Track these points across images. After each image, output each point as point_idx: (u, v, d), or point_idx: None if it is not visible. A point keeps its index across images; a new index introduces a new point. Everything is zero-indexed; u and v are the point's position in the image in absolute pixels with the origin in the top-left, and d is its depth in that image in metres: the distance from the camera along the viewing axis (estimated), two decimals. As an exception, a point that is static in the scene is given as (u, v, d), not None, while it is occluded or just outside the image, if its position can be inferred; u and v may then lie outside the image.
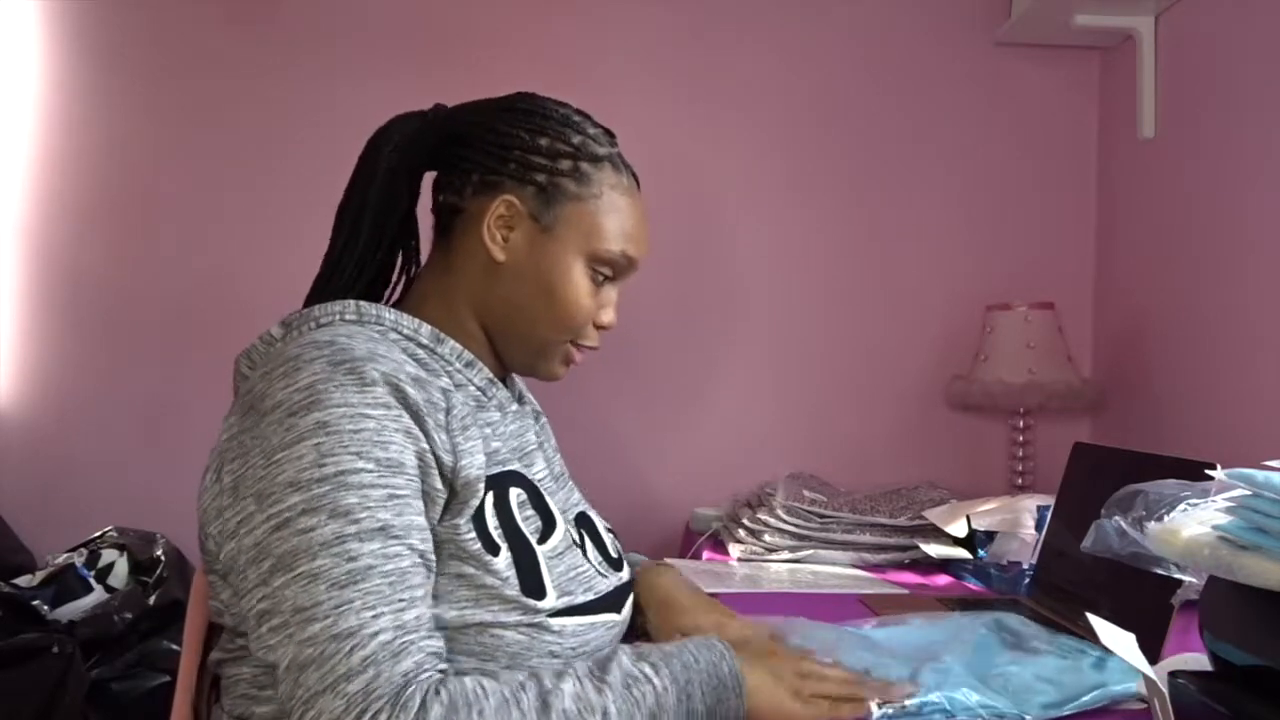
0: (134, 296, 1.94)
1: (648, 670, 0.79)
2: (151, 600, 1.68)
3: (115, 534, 1.79)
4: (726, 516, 1.75)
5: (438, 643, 0.76)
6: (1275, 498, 0.68)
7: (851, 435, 2.03)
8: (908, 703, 0.85)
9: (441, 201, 0.98)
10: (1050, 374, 1.82)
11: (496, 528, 0.85)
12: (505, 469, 0.90)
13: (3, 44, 1.94)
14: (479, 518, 0.83)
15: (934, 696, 0.86)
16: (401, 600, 0.73)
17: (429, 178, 1.01)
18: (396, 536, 0.75)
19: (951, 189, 2.04)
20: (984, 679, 0.94)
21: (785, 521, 1.59)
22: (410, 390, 0.81)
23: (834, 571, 1.54)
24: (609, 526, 1.05)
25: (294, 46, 1.97)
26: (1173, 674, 0.76)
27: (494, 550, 0.83)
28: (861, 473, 1.94)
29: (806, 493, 1.69)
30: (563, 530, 0.91)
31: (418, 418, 0.80)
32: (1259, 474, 0.70)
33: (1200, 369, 1.66)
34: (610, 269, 0.97)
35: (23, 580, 1.68)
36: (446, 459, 0.82)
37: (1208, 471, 0.75)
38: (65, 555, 1.74)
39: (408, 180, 0.98)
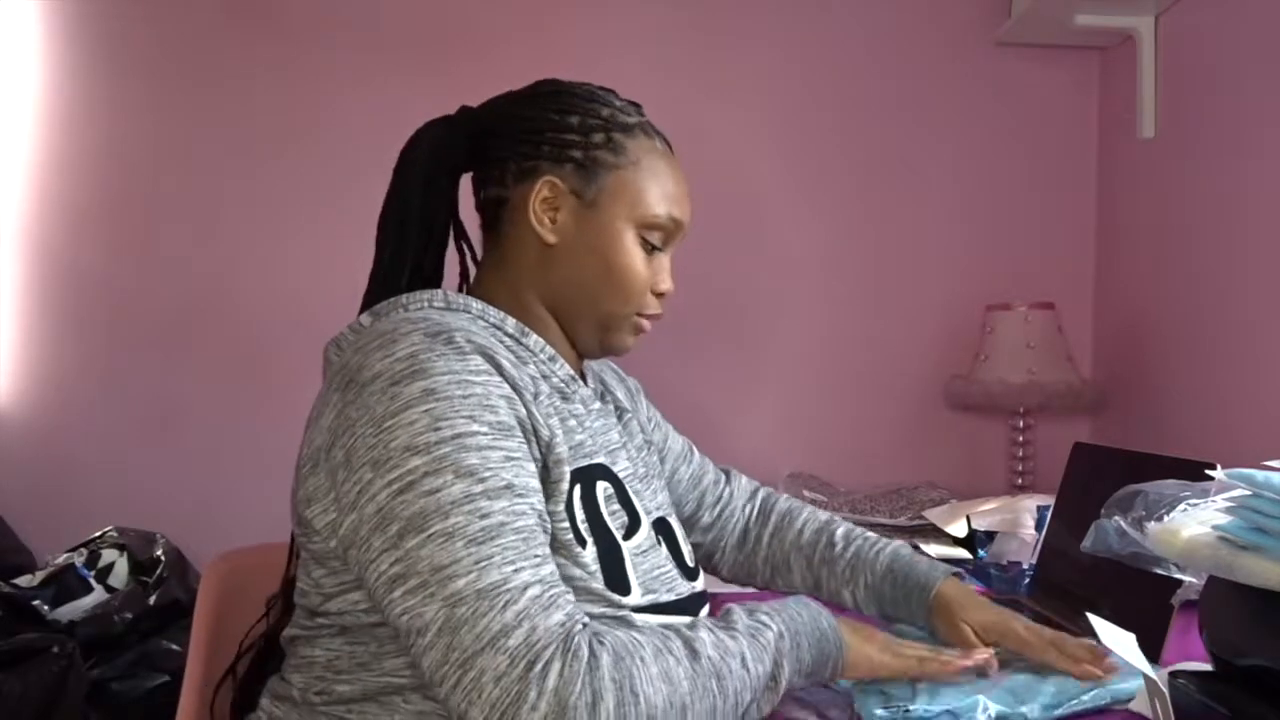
0: (134, 296, 1.94)
1: (764, 619, 0.83)
2: (151, 600, 1.68)
3: (115, 534, 1.79)
4: (726, 516, 1.75)
5: (572, 596, 0.75)
6: (1275, 498, 0.68)
7: (851, 435, 2.03)
8: (910, 708, 0.85)
9: (484, 197, 0.98)
10: (1050, 374, 1.82)
11: (583, 521, 0.84)
12: (593, 461, 0.90)
13: (3, 44, 1.94)
14: (569, 508, 0.83)
15: (943, 706, 0.86)
16: (537, 556, 0.74)
17: (466, 181, 1.00)
18: (521, 495, 0.76)
19: (951, 188, 2.05)
20: (981, 682, 0.94)
21: (785, 521, 1.58)
22: (505, 363, 0.81)
23: (834, 571, 1.53)
24: (687, 536, 1.04)
25: (294, 46, 1.97)
26: (1173, 674, 0.76)
27: (581, 543, 0.82)
28: (861, 473, 1.94)
29: (806, 493, 1.69)
30: (647, 528, 0.91)
31: (515, 388, 0.81)
32: (1259, 474, 0.70)
33: (1200, 369, 1.66)
34: (660, 233, 0.96)
35: (23, 580, 1.68)
36: (543, 431, 0.82)
37: (1208, 471, 0.75)
38: (65, 555, 1.74)
39: (446, 184, 0.97)
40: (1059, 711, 0.87)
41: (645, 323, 0.98)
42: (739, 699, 0.77)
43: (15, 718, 1.47)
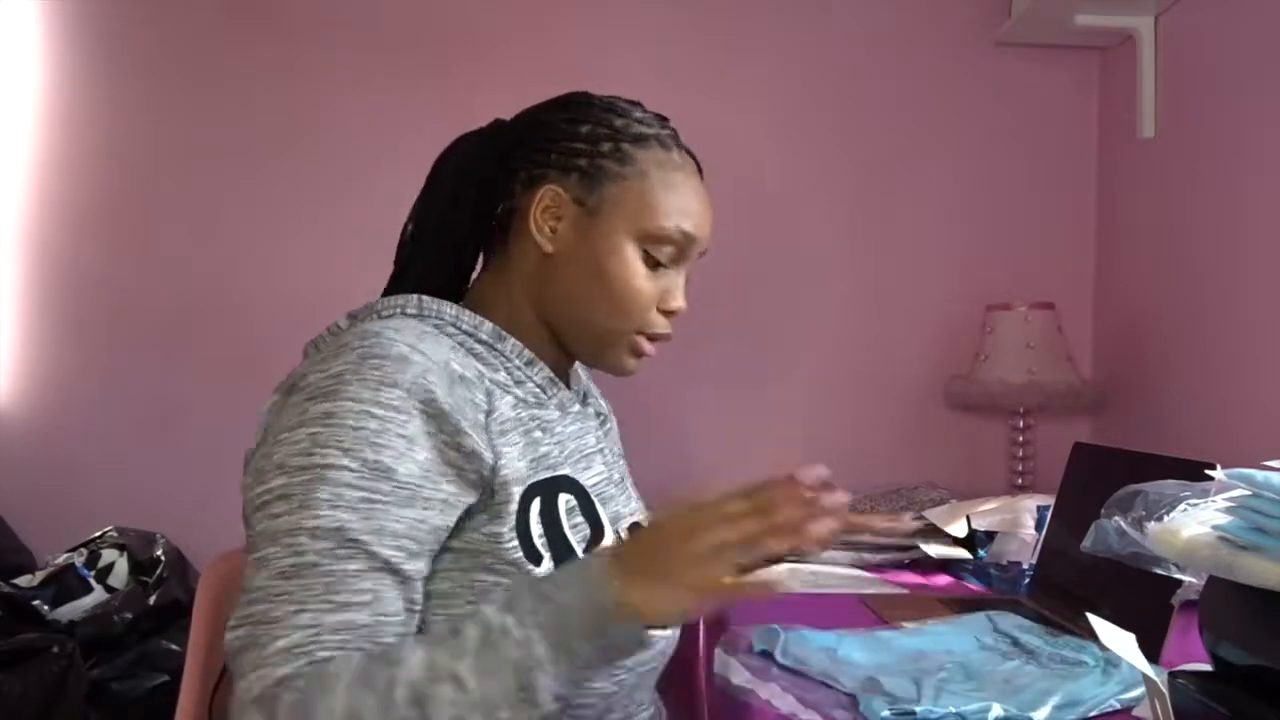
0: (134, 297, 1.94)
1: (510, 622, 0.71)
2: (151, 600, 1.68)
3: (115, 534, 1.79)
4: (726, 516, 1.74)
5: (350, 649, 0.73)
6: (1275, 498, 0.68)
7: (851, 435, 2.02)
8: (916, 709, 0.85)
9: (499, 205, 0.97)
10: (1050, 374, 1.82)
11: (540, 535, 0.84)
12: (556, 474, 0.88)
13: (3, 44, 1.94)
14: (523, 525, 0.83)
15: (952, 708, 0.85)
16: (330, 602, 0.73)
17: None
18: (353, 541, 0.74)
19: (951, 188, 2.04)
20: (987, 684, 0.94)
21: (785, 521, 1.59)
22: (440, 392, 0.79)
23: (834, 571, 1.54)
24: None
25: (295, 46, 1.97)
26: (1173, 674, 0.76)
27: (536, 560, 0.82)
28: (861, 473, 1.94)
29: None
30: (612, 540, 0.90)
31: (440, 419, 0.79)
32: (1259, 474, 0.70)
33: (1200, 369, 1.66)
34: (669, 248, 0.93)
35: (23, 580, 1.68)
36: (485, 456, 0.81)
37: (1208, 471, 0.75)
38: (65, 555, 1.74)
39: (473, 196, 0.96)
40: (1070, 716, 0.87)
41: (646, 345, 0.95)
42: None
43: (15, 718, 1.47)
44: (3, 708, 1.47)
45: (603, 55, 1.99)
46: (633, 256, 0.92)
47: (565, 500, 0.88)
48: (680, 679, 1.50)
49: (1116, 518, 0.77)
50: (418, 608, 0.79)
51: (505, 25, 1.98)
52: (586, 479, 0.93)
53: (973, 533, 1.52)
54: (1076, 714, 0.87)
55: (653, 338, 0.95)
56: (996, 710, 0.85)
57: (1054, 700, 0.88)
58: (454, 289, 0.98)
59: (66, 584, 1.67)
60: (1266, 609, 0.69)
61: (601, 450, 0.99)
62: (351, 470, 0.76)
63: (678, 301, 0.95)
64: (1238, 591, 0.70)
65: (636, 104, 0.98)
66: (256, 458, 0.81)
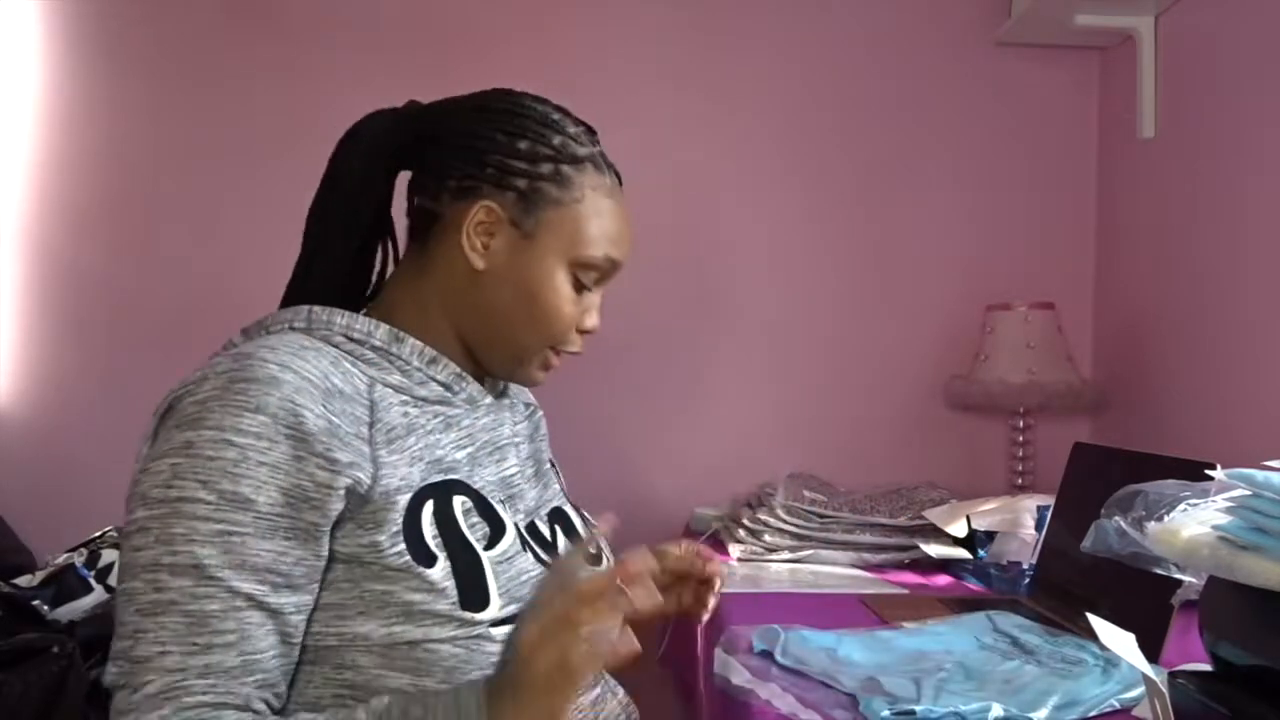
0: (134, 297, 1.94)
1: None
2: (151, 600, 1.68)
3: (115, 534, 1.79)
4: (726, 516, 1.75)
5: (217, 689, 0.73)
6: (1275, 498, 0.68)
7: (851, 435, 2.02)
8: (916, 708, 0.85)
9: (417, 205, 0.96)
10: (1050, 374, 1.82)
11: (435, 536, 0.82)
12: (450, 477, 0.87)
13: (3, 44, 1.94)
14: (411, 528, 0.80)
15: (952, 708, 0.85)
16: (194, 644, 0.72)
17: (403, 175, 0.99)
18: (211, 578, 0.73)
19: (951, 189, 2.04)
20: (987, 684, 0.94)
21: (785, 521, 1.59)
22: (310, 415, 0.77)
23: (834, 571, 1.54)
24: (591, 520, 1.03)
25: (295, 46, 1.97)
26: (1173, 674, 0.76)
27: (429, 561, 0.80)
28: (861, 473, 1.94)
29: (806, 493, 1.69)
30: (512, 536, 0.88)
31: (310, 442, 0.77)
32: (1259, 474, 0.70)
33: (1200, 369, 1.66)
34: (594, 273, 0.95)
35: (23, 580, 1.67)
36: (361, 474, 0.79)
37: (1208, 471, 0.75)
38: (65, 555, 1.74)
39: (381, 181, 0.96)
40: (1068, 716, 0.87)
41: (556, 359, 0.98)
42: None
43: (15, 718, 1.47)
44: (3, 708, 1.47)
45: (603, 55, 2.00)
46: (563, 281, 0.93)
47: (461, 502, 0.86)
48: (680, 679, 1.50)
49: (1116, 518, 0.77)
50: (295, 639, 0.78)
51: (505, 25, 1.98)
52: (493, 474, 0.93)
53: (973, 533, 1.52)
54: (1076, 714, 0.87)
55: (566, 353, 0.98)
56: (996, 710, 0.85)
57: (1054, 700, 0.88)
58: (359, 280, 0.98)
59: (66, 584, 1.67)
60: (1266, 609, 0.69)
61: (515, 441, 0.99)
62: (207, 503, 0.74)
63: (593, 321, 0.98)
64: (1238, 591, 0.70)
65: (566, 112, 0.97)
66: (131, 484, 0.80)
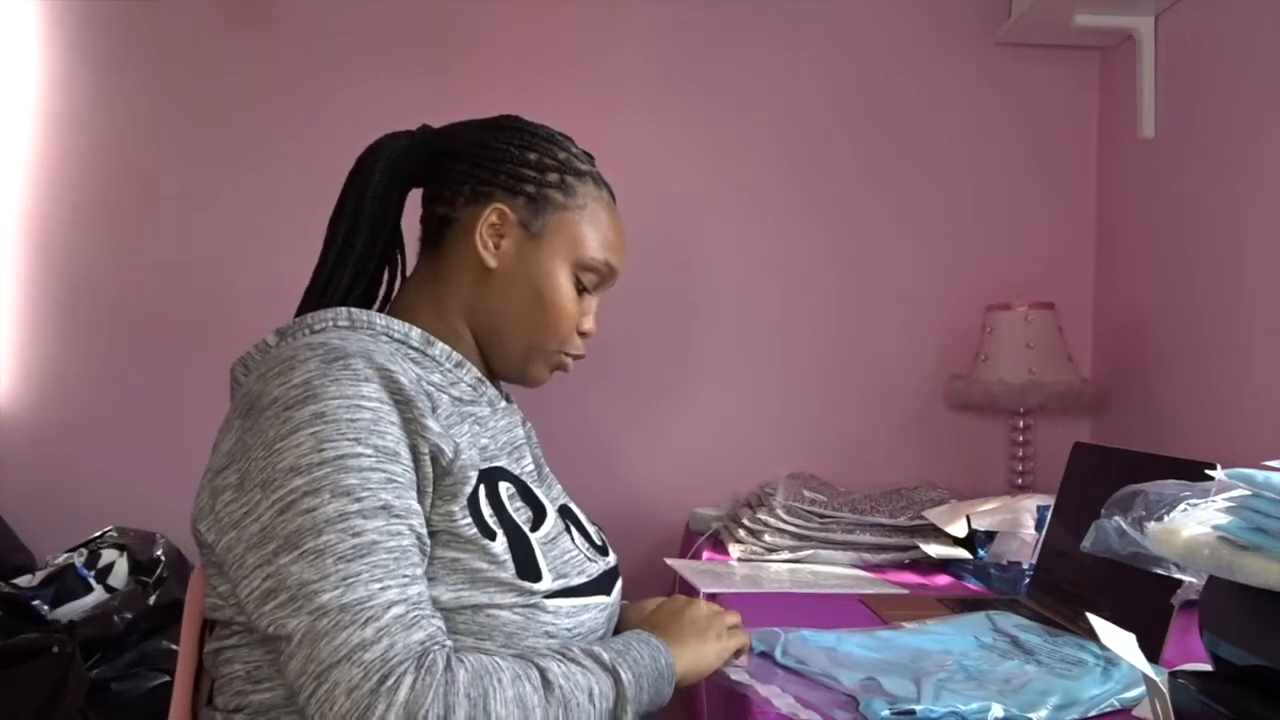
0: (134, 297, 1.94)
1: (612, 659, 0.84)
2: (151, 600, 1.68)
3: (115, 534, 1.79)
4: (726, 516, 1.75)
5: (440, 621, 0.78)
6: (1275, 498, 0.68)
7: (851, 435, 2.03)
8: (915, 708, 0.85)
9: (432, 213, 1.03)
10: (1050, 374, 1.82)
11: (491, 515, 0.87)
12: (494, 464, 0.94)
13: (3, 44, 1.94)
14: (474, 505, 0.86)
15: (951, 708, 0.85)
16: (406, 575, 0.76)
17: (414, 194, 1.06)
18: (399, 516, 0.78)
19: (951, 189, 2.05)
20: (987, 684, 0.94)
21: (785, 521, 1.59)
22: (404, 380, 0.84)
23: (834, 571, 1.53)
24: (591, 518, 1.08)
25: (294, 46, 1.97)
26: (1173, 674, 0.76)
27: (490, 535, 0.85)
28: (861, 473, 1.94)
29: (806, 493, 1.69)
30: (553, 518, 0.95)
31: (410, 407, 0.83)
32: (1259, 474, 0.70)
33: (1200, 369, 1.66)
34: (594, 276, 1.02)
35: (23, 580, 1.68)
36: (445, 445, 0.85)
37: (1208, 471, 0.75)
38: (65, 555, 1.74)
39: (397, 196, 1.03)
40: (1068, 716, 0.87)
41: (567, 361, 1.04)
42: None
43: (15, 718, 1.47)
44: (3, 708, 1.47)
45: (603, 55, 2.00)
46: (566, 281, 1.00)
47: (505, 488, 0.92)
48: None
49: (1116, 518, 0.77)
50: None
51: (506, 25, 1.98)
52: (519, 469, 0.99)
53: (973, 533, 1.52)
54: (1076, 713, 0.87)
55: (570, 356, 1.05)
56: (996, 710, 0.85)
57: (1053, 700, 0.88)
58: (374, 289, 1.04)
59: (66, 584, 1.67)
60: (1266, 609, 0.69)
61: (526, 444, 1.06)
62: (368, 455, 0.78)
63: (591, 324, 1.05)
64: (1238, 591, 0.70)
65: (569, 138, 1.05)
66: (231, 476, 0.80)
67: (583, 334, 1.04)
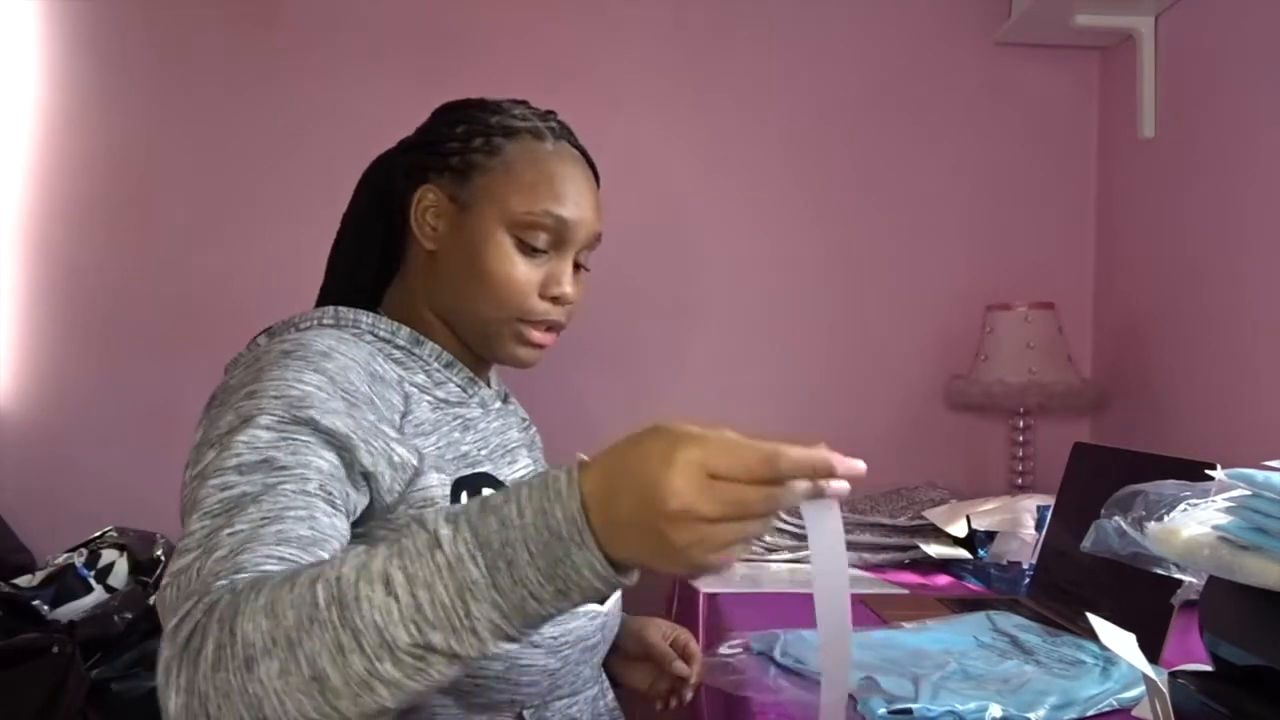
0: (134, 296, 1.94)
1: (445, 532, 0.62)
2: (152, 600, 1.68)
3: (115, 534, 1.79)
4: (726, 516, 1.74)
5: (273, 559, 0.69)
6: (1275, 498, 0.68)
7: (851, 435, 2.00)
8: (913, 707, 0.85)
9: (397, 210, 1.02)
10: (1050, 374, 1.82)
11: None
12: (477, 470, 0.91)
13: (3, 44, 1.94)
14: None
15: (949, 707, 0.85)
16: (266, 517, 0.70)
17: None
18: (281, 468, 0.73)
19: (951, 189, 2.04)
20: (986, 684, 0.94)
21: (785, 521, 1.59)
22: (361, 385, 0.82)
23: (834, 571, 1.53)
24: None
25: (295, 47, 1.97)
26: (1173, 674, 0.76)
27: None
28: (861, 472, 1.94)
29: (806, 493, 1.68)
30: None
31: (371, 409, 0.82)
32: (1259, 474, 0.70)
33: (1200, 369, 1.66)
34: (542, 234, 0.94)
35: (23, 580, 1.68)
36: (402, 450, 0.82)
37: (1208, 471, 0.75)
38: (65, 555, 1.74)
39: (379, 207, 1.02)
40: (1066, 715, 0.87)
41: (534, 334, 0.95)
42: (385, 631, 0.60)
43: (15, 718, 1.47)
44: (3, 708, 1.47)
45: (602, 55, 2.00)
46: (505, 244, 0.93)
47: (488, 493, 0.88)
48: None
49: (1116, 518, 0.77)
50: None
51: (506, 26, 1.98)
52: (511, 473, 0.96)
53: (973, 533, 1.52)
54: (1075, 713, 0.87)
55: (547, 326, 0.96)
56: (995, 710, 0.85)
57: (1052, 700, 0.88)
58: (374, 298, 1.03)
59: (66, 584, 1.67)
60: (1266, 609, 0.69)
61: (525, 446, 1.03)
62: (274, 415, 0.75)
63: (562, 288, 0.95)
64: (1238, 591, 0.70)
65: (521, 103, 1.00)
66: (188, 470, 0.79)
67: (555, 299, 0.95)
